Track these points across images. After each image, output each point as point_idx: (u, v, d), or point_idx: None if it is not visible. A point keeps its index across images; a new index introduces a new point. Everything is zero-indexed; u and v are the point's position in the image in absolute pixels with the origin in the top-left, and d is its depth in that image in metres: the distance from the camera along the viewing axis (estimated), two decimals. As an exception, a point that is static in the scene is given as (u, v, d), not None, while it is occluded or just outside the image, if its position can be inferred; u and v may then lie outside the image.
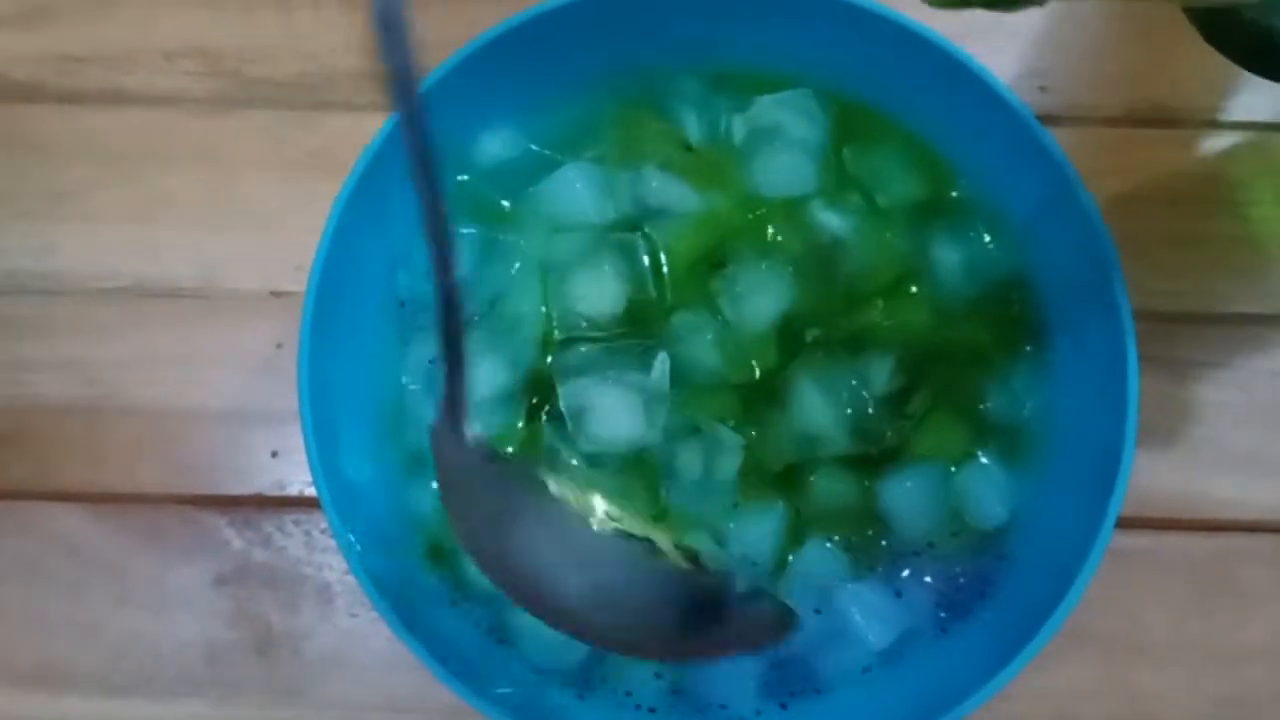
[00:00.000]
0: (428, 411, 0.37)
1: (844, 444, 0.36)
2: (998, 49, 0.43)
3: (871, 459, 0.36)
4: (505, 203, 0.38)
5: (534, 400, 0.36)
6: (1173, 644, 0.39)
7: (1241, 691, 0.39)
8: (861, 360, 0.36)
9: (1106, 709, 0.39)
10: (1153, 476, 0.40)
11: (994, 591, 0.36)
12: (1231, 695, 0.39)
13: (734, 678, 0.35)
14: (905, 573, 0.36)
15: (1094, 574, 0.32)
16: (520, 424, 0.36)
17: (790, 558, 0.36)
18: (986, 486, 0.36)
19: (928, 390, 0.36)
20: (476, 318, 0.37)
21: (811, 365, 0.36)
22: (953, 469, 0.36)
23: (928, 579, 0.36)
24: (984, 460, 0.36)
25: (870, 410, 0.36)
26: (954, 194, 0.38)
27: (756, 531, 0.35)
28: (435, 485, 0.35)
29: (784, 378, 0.36)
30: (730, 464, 0.36)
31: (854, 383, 0.36)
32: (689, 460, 0.36)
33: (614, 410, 0.35)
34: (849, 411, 0.36)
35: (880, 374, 0.36)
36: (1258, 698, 0.39)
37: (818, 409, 0.36)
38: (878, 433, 0.36)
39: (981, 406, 0.37)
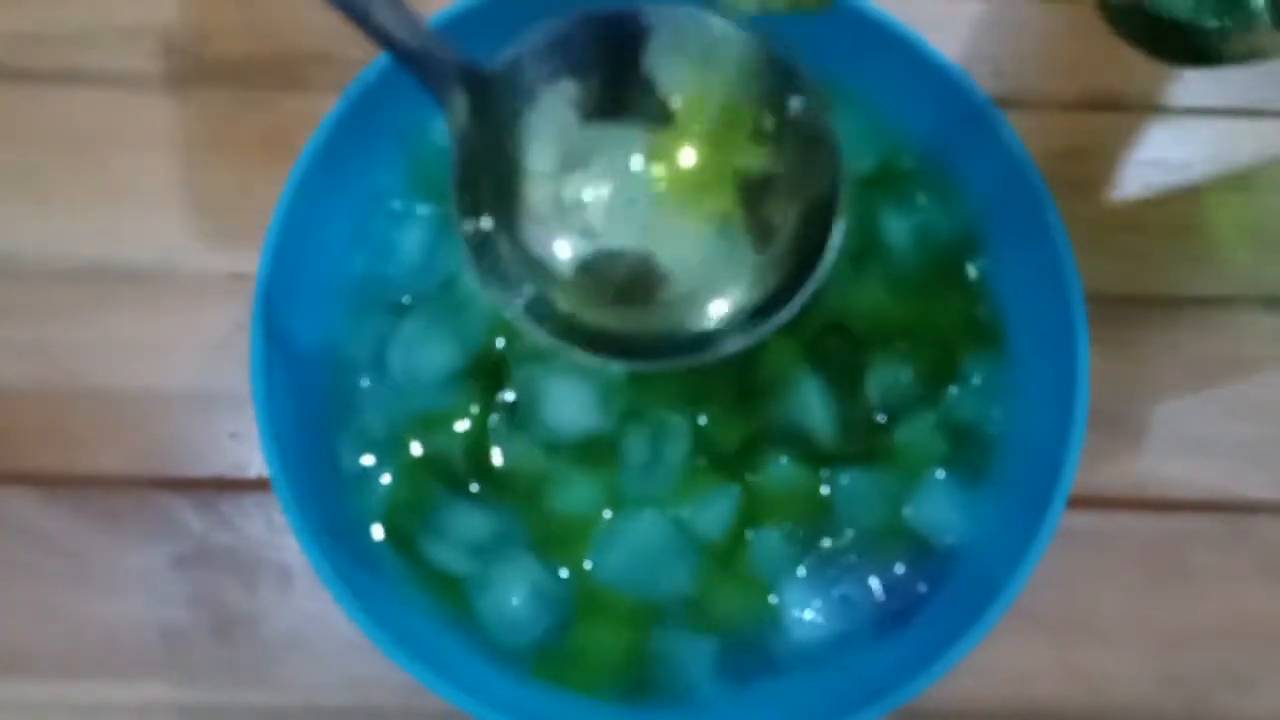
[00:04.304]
0: (382, 391, 0.37)
1: (830, 443, 0.36)
2: (950, 32, 0.43)
3: (831, 454, 0.36)
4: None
5: (486, 384, 0.36)
6: (1121, 624, 0.40)
7: (1189, 670, 0.39)
8: (870, 362, 0.37)
9: (1056, 688, 0.39)
10: (1102, 456, 0.40)
11: (936, 590, 0.36)
12: (1179, 674, 0.39)
13: (692, 657, 0.36)
14: (851, 566, 0.36)
15: (1024, 585, 0.33)
16: (473, 408, 0.36)
17: (749, 534, 0.36)
18: (940, 496, 0.36)
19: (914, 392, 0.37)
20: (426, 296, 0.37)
21: (818, 360, 0.37)
22: (908, 473, 0.36)
23: (871, 575, 0.36)
24: (940, 469, 0.37)
25: (860, 413, 0.36)
26: (908, 164, 0.38)
27: (711, 514, 0.36)
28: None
29: (781, 368, 0.36)
30: (678, 448, 0.36)
31: (857, 384, 0.36)
32: (637, 444, 0.36)
33: (568, 398, 0.35)
34: (844, 412, 0.36)
35: (884, 378, 0.37)
36: (1205, 677, 0.39)
37: (815, 407, 0.36)
38: (863, 435, 0.36)
39: (940, 409, 0.37)
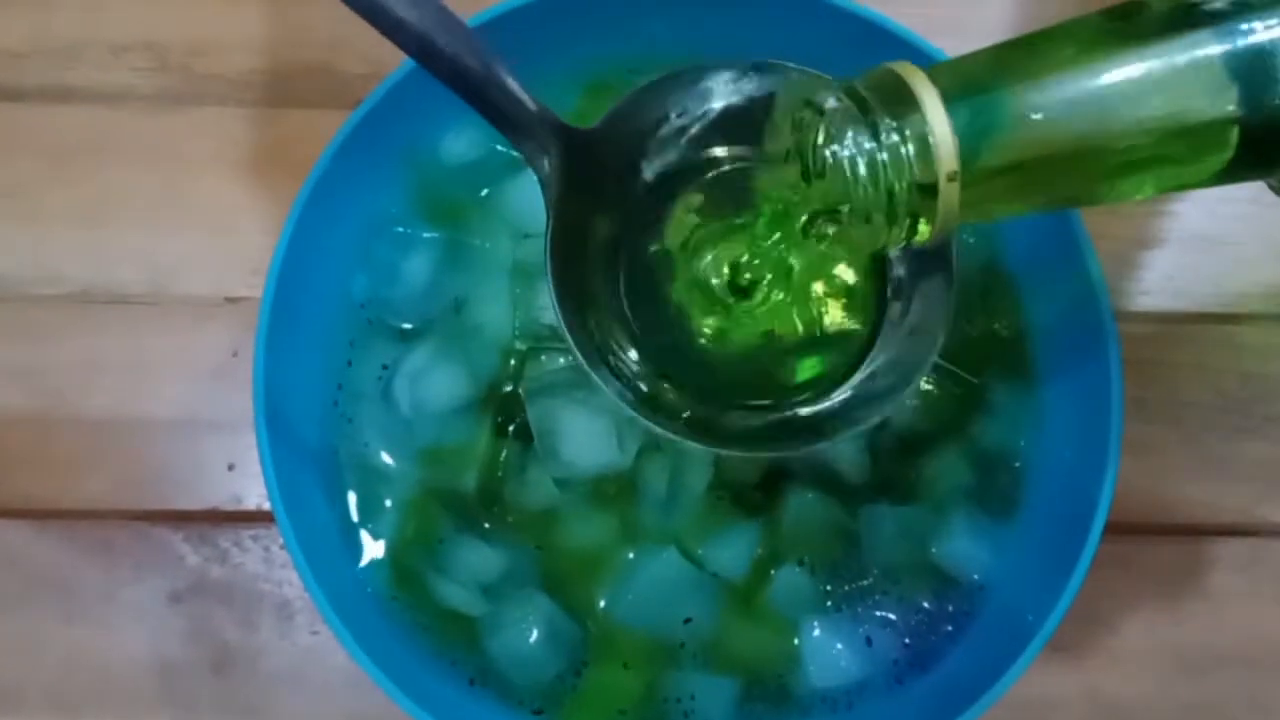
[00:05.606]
0: (388, 422, 0.36)
1: (856, 474, 0.35)
2: (969, 38, 0.42)
3: (856, 488, 0.35)
4: (469, 206, 0.37)
5: (498, 416, 0.35)
6: (1145, 650, 0.39)
7: (1213, 698, 0.39)
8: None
9: (1077, 715, 0.38)
10: (1125, 480, 0.39)
11: (963, 631, 0.35)
12: (1203, 702, 0.39)
13: (709, 699, 0.34)
14: (872, 609, 0.35)
15: (1054, 629, 0.32)
16: (483, 440, 0.35)
17: (772, 571, 0.35)
18: (968, 531, 0.35)
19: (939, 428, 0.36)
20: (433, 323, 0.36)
21: None
22: (935, 507, 0.36)
23: (897, 614, 0.35)
24: (968, 503, 0.36)
25: (886, 443, 0.36)
26: None
27: (731, 550, 0.35)
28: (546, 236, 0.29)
29: None
30: (699, 480, 0.35)
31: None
32: (656, 476, 0.35)
33: (585, 435, 0.34)
34: (869, 442, 0.35)
35: (909, 407, 0.36)
36: (1229, 704, 0.39)
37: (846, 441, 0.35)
38: (889, 467, 0.35)
39: (966, 438, 0.36)
